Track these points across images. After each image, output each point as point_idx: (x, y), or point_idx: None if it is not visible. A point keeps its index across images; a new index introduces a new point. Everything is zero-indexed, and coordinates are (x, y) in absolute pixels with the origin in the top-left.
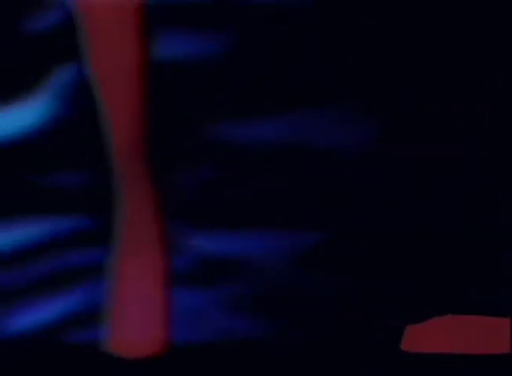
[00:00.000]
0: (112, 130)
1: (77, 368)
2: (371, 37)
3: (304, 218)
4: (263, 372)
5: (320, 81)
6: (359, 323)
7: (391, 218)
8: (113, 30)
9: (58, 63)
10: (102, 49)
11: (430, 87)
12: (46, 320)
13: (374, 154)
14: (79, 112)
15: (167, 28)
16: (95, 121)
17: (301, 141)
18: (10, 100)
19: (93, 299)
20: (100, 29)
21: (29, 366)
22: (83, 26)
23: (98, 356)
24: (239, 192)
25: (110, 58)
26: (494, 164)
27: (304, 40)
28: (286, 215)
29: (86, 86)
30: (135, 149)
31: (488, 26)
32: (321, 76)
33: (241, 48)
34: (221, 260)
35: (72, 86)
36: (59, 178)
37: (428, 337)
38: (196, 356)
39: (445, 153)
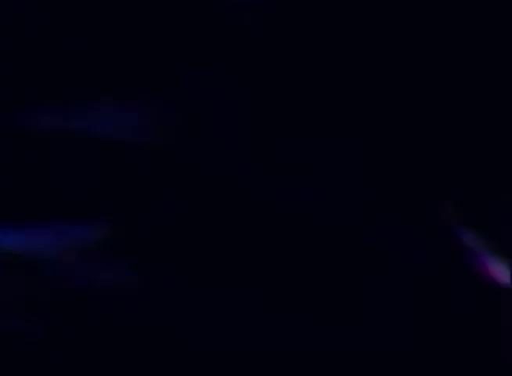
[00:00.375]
0: None
1: None
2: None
3: (87, 210)
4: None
5: (100, 72)
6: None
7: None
8: None
9: None
10: None
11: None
12: None
13: (165, 150)
14: None
15: None
16: None
17: (78, 130)
18: None
19: None
20: None
21: None
22: None
23: None
24: (15, 184)
25: None
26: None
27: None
28: (68, 208)
29: None
30: None
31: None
32: (101, 67)
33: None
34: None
35: None
36: None
37: None
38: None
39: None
